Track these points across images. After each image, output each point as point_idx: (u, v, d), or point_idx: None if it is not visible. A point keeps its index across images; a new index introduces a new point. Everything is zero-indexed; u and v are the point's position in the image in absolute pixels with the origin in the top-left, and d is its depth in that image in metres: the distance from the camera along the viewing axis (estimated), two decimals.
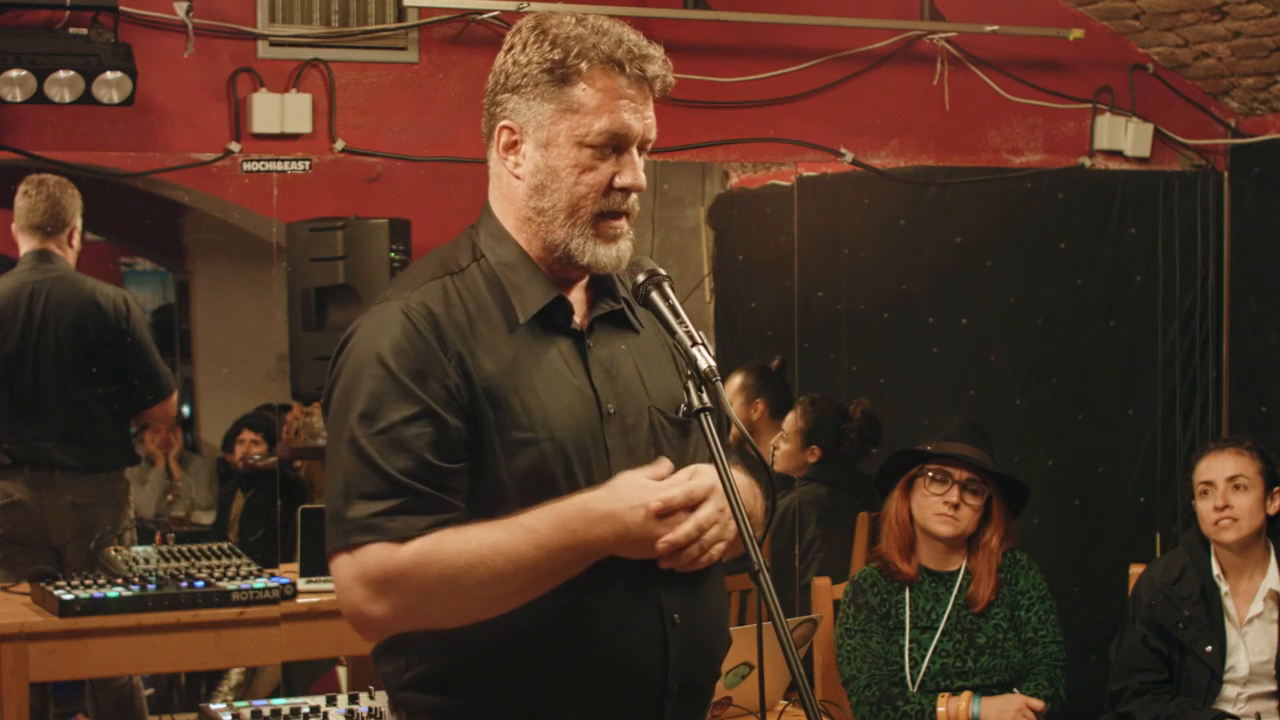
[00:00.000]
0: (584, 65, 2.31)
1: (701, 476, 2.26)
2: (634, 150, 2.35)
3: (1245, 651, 4.27)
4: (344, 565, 2.22)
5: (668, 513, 2.22)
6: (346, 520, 2.21)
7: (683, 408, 2.39)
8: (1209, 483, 4.30)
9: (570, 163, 2.32)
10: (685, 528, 2.22)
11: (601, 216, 2.34)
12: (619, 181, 2.33)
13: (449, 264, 2.38)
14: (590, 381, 2.35)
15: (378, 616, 2.21)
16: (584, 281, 2.42)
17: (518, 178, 2.36)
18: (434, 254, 2.46)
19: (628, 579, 2.29)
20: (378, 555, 2.19)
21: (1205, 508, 4.30)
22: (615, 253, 2.35)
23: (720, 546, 2.27)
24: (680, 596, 2.35)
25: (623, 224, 2.36)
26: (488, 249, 2.39)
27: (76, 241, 5.05)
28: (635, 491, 2.22)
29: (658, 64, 2.36)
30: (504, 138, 2.37)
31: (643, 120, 2.35)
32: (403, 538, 2.19)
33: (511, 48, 2.37)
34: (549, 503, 2.22)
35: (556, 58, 2.31)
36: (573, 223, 2.33)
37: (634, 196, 2.36)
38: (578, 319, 2.39)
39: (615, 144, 2.33)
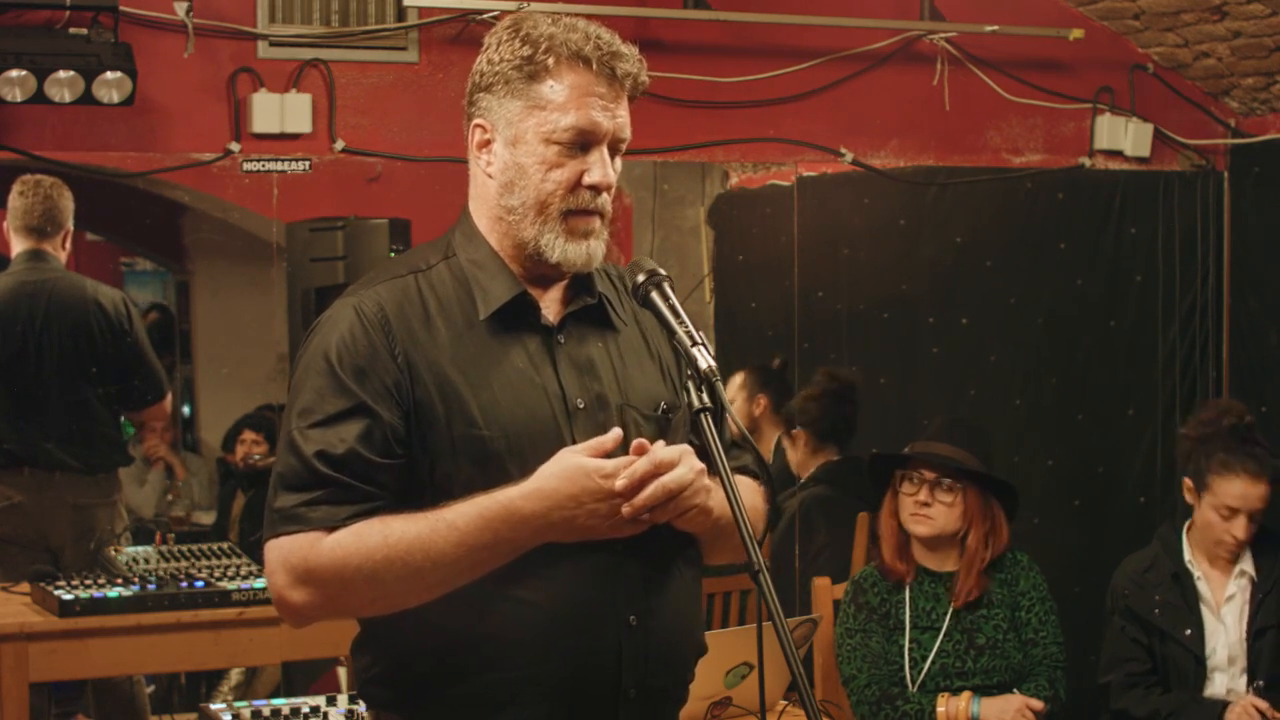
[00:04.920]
0: (551, 61, 2.30)
1: (667, 449, 2.24)
2: (603, 149, 2.33)
3: (1225, 635, 4.29)
4: (270, 552, 2.26)
5: (636, 488, 2.20)
6: (274, 510, 2.26)
7: (662, 405, 2.40)
8: (1235, 510, 4.25)
9: (537, 160, 2.31)
10: (648, 491, 2.19)
11: (571, 214, 2.33)
12: (587, 179, 2.32)
13: (417, 262, 2.39)
14: (557, 377, 2.34)
15: (297, 603, 2.25)
16: (564, 281, 2.41)
17: (490, 176, 2.37)
18: (409, 252, 2.49)
19: (585, 579, 2.29)
20: (299, 544, 2.23)
21: (1220, 527, 4.27)
22: (585, 250, 2.34)
23: (697, 509, 2.25)
24: (640, 598, 2.33)
25: (594, 222, 2.34)
26: (459, 247, 2.40)
27: (69, 244, 5.05)
28: (567, 482, 2.20)
29: (629, 62, 2.34)
30: (477, 136, 2.38)
31: (613, 119, 2.33)
32: (325, 527, 2.22)
33: (488, 47, 2.38)
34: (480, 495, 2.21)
35: (526, 54, 2.31)
36: (541, 220, 2.33)
37: (605, 196, 2.34)
38: (551, 316, 2.38)
39: (583, 141, 2.31)
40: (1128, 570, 4.44)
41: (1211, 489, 4.29)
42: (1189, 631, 4.27)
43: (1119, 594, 4.42)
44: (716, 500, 2.31)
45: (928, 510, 4.21)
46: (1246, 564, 4.35)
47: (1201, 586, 4.33)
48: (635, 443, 2.25)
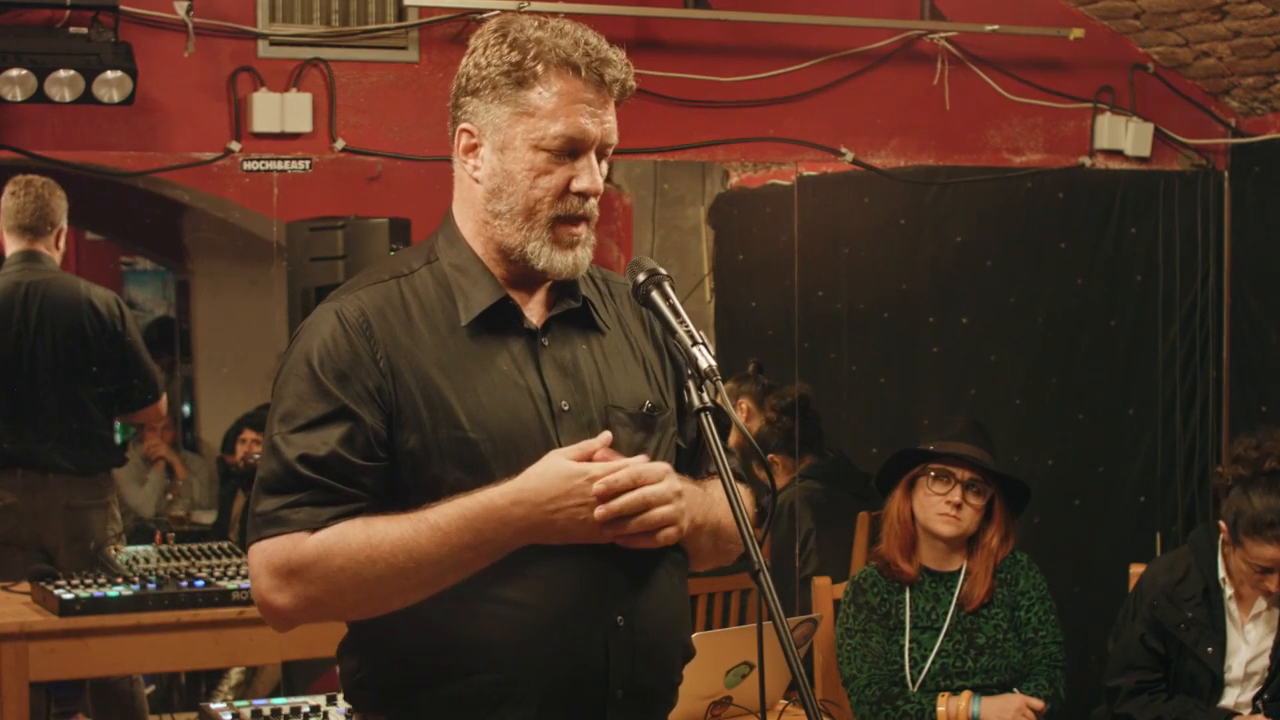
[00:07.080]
0: (540, 68, 2.30)
1: (651, 465, 2.25)
2: (591, 155, 2.33)
3: (1245, 651, 4.26)
4: (253, 556, 2.27)
5: (611, 495, 2.20)
6: (256, 514, 2.26)
7: (647, 404, 2.40)
8: (1267, 570, 4.13)
9: (526, 166, 2.31)
10: (627, 498, 2.20)
11: (559, 221, 2.33)
12: (575, 186, 2.32)
13: (399, 267, 2.39)
14: (541, 380, 2.34)
15: (282, 606, 2.25)
16: (548, 283, 2.41)
17: (476, 181, 2.36)
18: (393, 256, 2.49)
19: (571, 580, 2.29)
20: (282, 546, 2.23)
21: (1252, 578, 4.16)
22: (572, 259, 2.34)
23: (671, 531, 2.25)
24: (627, 599, 2.33)
25: (581, 230, 2.35)
26: (442, 251, 2.40)
27: (63, 243, 5.05)
28: (550, 484, 2.21)
29: (617, 68, 2.34)
30: (463, 140, 2.37)
31: (601, 125, 2.33)
32: (307, 529, 2.22)
33: (474, 50, 2.37)
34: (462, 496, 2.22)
35: (514, 60, 2.31)
36: (529, 227, 2.33)
37: (593, 201, 2.35)
38: (535, 319, 2.38)
39: (572, 148, 2.31)
40: (1158, 579, 4.32)
41: (1244, 547, 4.16)
42: (1211, 650, 4.22)
43: (1146, 602, 4.31)
44: (697, 510, 2.32)
45: (959, 512, 4.20)
46: None
47: (1231, 605, 4.25)
48: (602, 436, 2.26)
